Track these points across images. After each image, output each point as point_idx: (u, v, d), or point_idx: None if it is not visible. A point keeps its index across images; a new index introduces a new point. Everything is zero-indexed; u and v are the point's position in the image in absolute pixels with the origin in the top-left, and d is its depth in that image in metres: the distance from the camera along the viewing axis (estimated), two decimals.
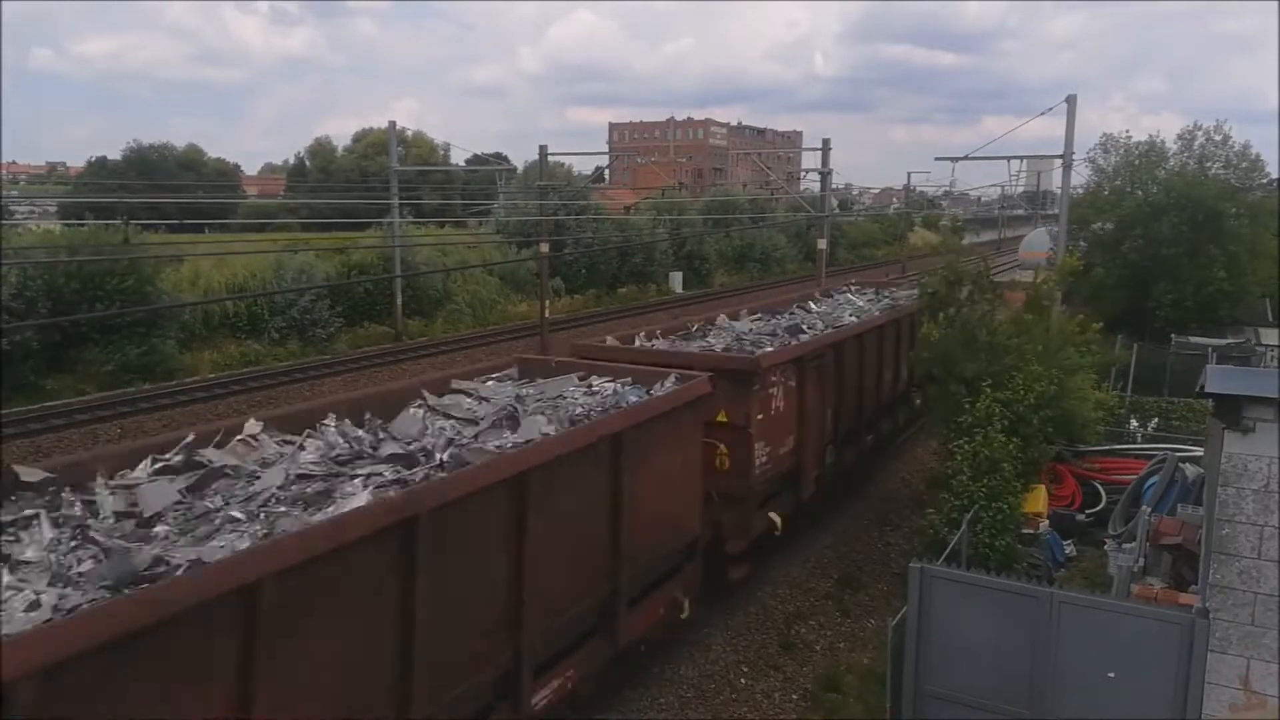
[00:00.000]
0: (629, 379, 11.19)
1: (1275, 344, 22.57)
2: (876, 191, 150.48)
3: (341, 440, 8.42)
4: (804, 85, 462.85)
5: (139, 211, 43.57)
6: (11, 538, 5.84)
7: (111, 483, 6.78)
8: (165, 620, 4.83)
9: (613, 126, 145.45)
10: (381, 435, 8.79)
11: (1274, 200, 31.30)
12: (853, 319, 18.49)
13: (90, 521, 6.20)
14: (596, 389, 10.93)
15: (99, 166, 73.30)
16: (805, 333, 16.26)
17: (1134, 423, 18.24)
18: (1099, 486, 15.69)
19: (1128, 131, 36.14)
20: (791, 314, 18.68)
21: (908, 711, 9.35)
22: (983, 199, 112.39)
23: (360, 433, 8.78)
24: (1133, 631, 8.25)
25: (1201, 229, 27.93)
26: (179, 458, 7.44)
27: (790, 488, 14.11)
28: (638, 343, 14.92)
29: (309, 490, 7.05)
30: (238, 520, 6.38)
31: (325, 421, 8.75)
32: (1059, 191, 27.75)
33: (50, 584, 5.30)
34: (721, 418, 12.09)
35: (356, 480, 7.35)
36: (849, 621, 13.14)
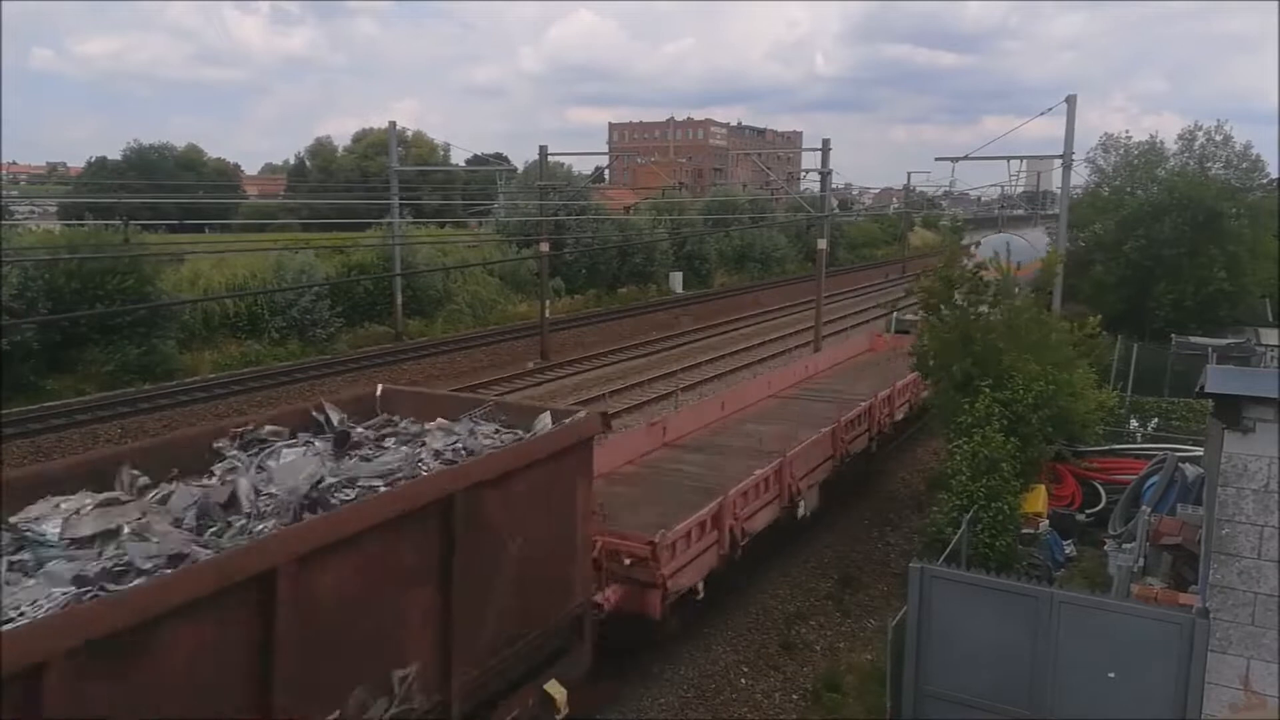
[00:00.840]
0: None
1: (1275, 344, 22.59)
2: (876, 191, 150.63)
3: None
4: (804, 85, 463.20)
5: (139, 211, 43.53)
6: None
7: None
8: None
9: (613, 126, 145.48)
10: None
11: (1274, 200, 31.32)
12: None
13: None
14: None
15: (99, 167, 73.24)
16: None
17: (1134, 423, 18.24)
18: (1099, 486, 15.70)
19: (1128, 132, 36.19)
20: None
21: (908, 711, 9.35)
22: (983, 199, 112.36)
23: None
24: (1133, 631, 8.25)
25: (1202, 229, 27.94)
26: None
27: None
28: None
29: None
30: None
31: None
32: (1059, 191, 27.76)
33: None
34: None
35: None
36: (849, 621, 13.14)
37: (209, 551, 5.76)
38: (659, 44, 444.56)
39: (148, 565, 5.50)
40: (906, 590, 9.40)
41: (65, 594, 5.16)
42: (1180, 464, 13.64)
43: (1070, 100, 24.08)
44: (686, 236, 51.81)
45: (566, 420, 8.47)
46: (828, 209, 34.48)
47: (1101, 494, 15.52)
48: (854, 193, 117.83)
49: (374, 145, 71.24)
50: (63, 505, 6.30)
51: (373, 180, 57.96)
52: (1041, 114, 24.71)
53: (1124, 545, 12.08)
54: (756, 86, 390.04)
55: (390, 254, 35.24)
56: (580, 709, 8.47)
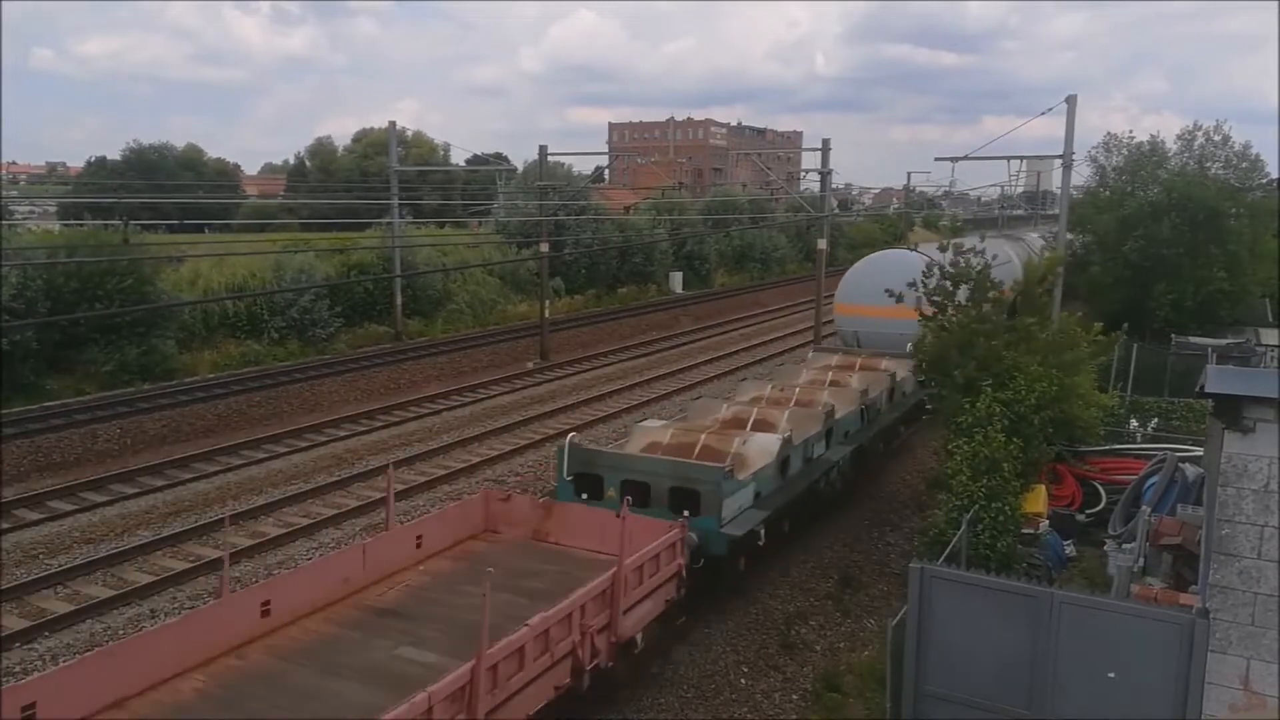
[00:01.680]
0: None
1: (1275, 344, 22.59)
2: (876, 191, 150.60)
3: None
4: (805, 85, 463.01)
5: (139, 212, 43.55)
6: None
7: None
8: None
9: (613, 126, 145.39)
10: None
11: (1274, 200, 31.32)
12: None
13: None
14: None
15: (99, 166, 73.27)
16: None
17: (1134, 423, 18.25)
18: (1099, 487, 15.70)
19: (1131, 131, 36.23)
20: None
21: (908, 711, 9.35)
22: (982, 199, 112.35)
23: None
24: (1133, 632, 8.24)
25: (1202, 229, 27.95)
26: None
27: None
28: None
29: None
30: None
31: None
32: (1059, 191, 27.75)
33: None
34: None
35: None
36: (849, 621, 13.14)
37: None
38: (659, 44, 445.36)
39: None
40: (906, 590, 9.39)
41: None
42: (1180, 464, 13.64)
43: (1070, 100, 24.06)
44: (686, 236, 51.79)
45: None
46: (827, 209, 34.47)
47: (1101, 494, 15.53)
48: (854, 193, 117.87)
49: (374, 145, 71.28)
50: None
51: (372, 180, 57.95)
52: (1041, 114, 24.68)
53: (1124, 545, 12.07)
54: (757, 86, 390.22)
55: (390, 254, 35.23)
56: None
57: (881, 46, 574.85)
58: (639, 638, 10.33)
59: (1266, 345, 22.59)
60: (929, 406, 19.53)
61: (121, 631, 12.30)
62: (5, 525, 15.65)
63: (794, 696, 11.18)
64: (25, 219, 50.79)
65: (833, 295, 28.14)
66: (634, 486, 12.33)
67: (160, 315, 26.52)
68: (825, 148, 32.26)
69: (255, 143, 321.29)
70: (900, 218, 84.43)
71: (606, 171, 70.76)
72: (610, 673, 10.03)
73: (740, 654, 11.98)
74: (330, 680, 8.43)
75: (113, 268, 25.50)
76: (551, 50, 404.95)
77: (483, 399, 26.14)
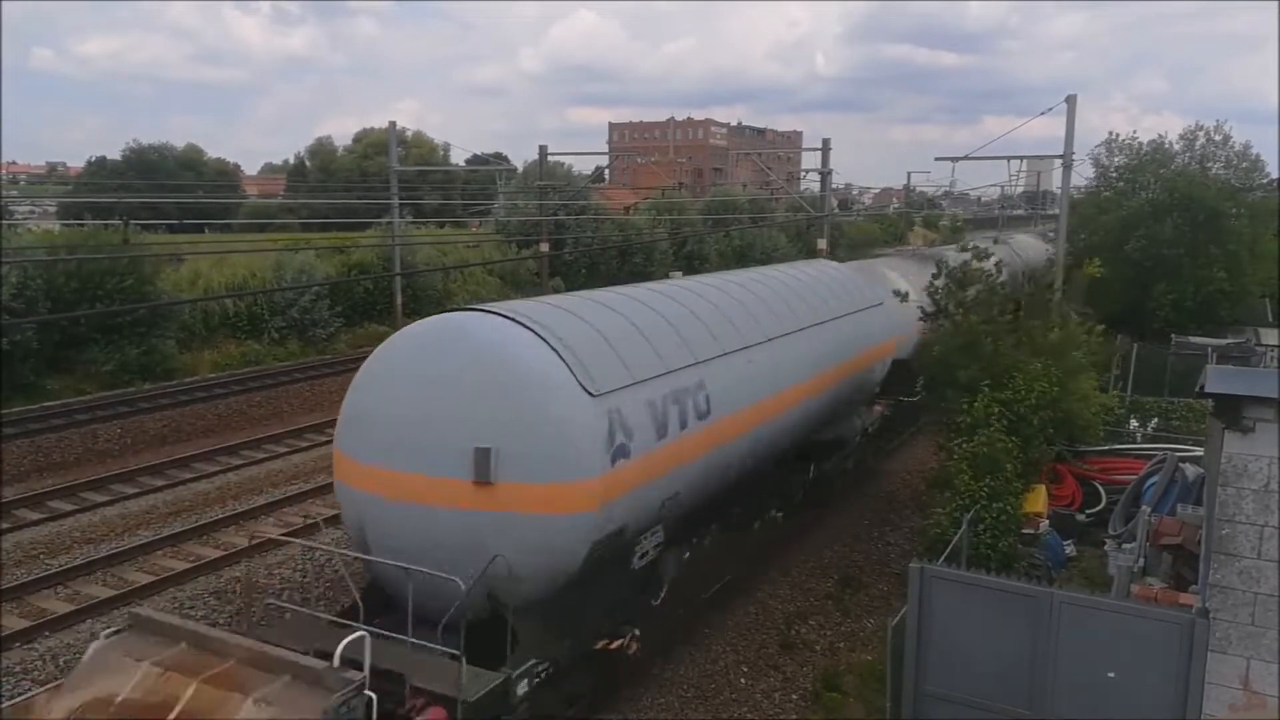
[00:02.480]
0: None
1: (1275, 344, 22.58)
2: (876, 191, 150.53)
3: None
4: (805, 85, 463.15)
5: (139, 212, 43.50)
6: None
7: None
8: None
9: (613, 126, 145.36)
10: None
11: (1274, 200, 31.36)
12: None
13: None
14: None
15: (99, 167, 73.22)
16: None
17: (1134, 423, 18.25)
18: (1099, 486, 15.69)
19: (1134, 132, 36.25)
20: None
21: (908, 711, 9.35)
22: (983, 199, 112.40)
23: None
24: (1133, 631, 8.25)
25: (1202, 229, 27.95)
26: None
27: None
28: None
29: None
30: None
31: None
32: (1059, 191, 27.74)
33: None
34: None
35: None
36: (849, 621, 13.14)
37: None
38: (660, 44, 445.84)
39: None
40: (907, 590, 9.39)
41: None
42: (1180, 464, 13.63)
43: (1070, 100, 24.03)
44: (686, 236, 51.79)
45: None
46: (827, 209, 34.47)
47: (1102, 494, 15.52)
48: (854, 193, 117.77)
49: (374, 145, 71.21)
50: None
51: (372, 180, 57.92)
52: (1042, 114, 24.61)
53: (1124, 545, 12.06)
54: (757, 86, 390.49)
55: (390, 254, 35.23)
56: None
57: (882, 46, 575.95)
58: None
59: (1266, 345, 22.57)
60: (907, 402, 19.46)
61: None
62: (5, 525, 15.65)
63: (794, 696, 11.19)
64: (25, 219, 50.73)
65: None
66: None
67: (160, 315, 26.52)
68: (825, 148, 32.29)
69: (255, 143, 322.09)
70: (900, 218, 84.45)
71: (606, 171, 70.74)
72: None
73: (740, 654, 11.98)
74: None
75: (113, 267, 25.49)
76: (552, 50, 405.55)
77: None
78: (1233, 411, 7.69)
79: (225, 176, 79.96)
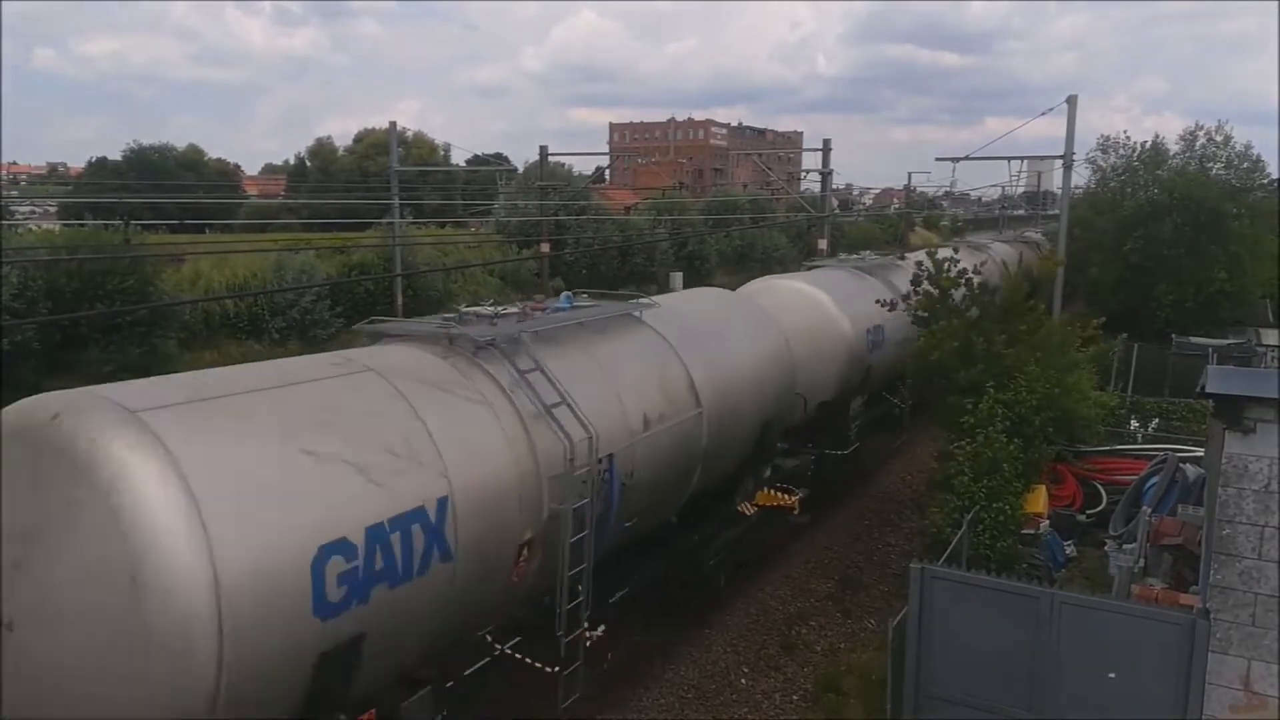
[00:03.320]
0: None
1: (1275, 344, 22.56)
2: (877, 192, 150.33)
3: None
4: (806, 85, 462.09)
5: (140, 212, 43.52)
6: None
7: None
8: None
9: (613, 127, 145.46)
10: None
11: (1274, 201, 31.34)
12: None
13: None
14: None
15: (99, 167, 73.27)
16: None
17: (1134, 423, 18.24)
18: (1099, 487, 15.67)
19: (1125, 132, 36.23)
20: None
21: (908, 712, 9.34)
22: (983, 199, 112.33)
23: None
24: (1133, 632, 8.24)
25: (1202, 229, 27.94)
26: None
27: None
28: None
29: None
30: None
31: None
32: (1059, 192, 27.75)
33: None
34: None
35: None
36: (849, 622, 13.14)
37: None
38: (661, 44, 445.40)
39: None
40: (907, 591, 9.39)
41: None
42: (1181, 464, 13.63)
43: (1071, 100, 24.01)
44: (687, 237, 51.80)
45: None
46: (828, 209, 34.47)
47: (1102, 494, 15.50)
48: (854, 193, 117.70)
49: (374, 145, 71.27)
50: None
51: (373, 180, 57.95)
52: (1042, 114, 24.59)
53: (1124, 546, 12.05)
54: (758, 87, 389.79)
55: (391, 254, 35.22)
56: None
57: (884, 47, 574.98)
58: None
59: (1267, 345, 22.55)
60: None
61: None
62: None
63: (794, 697, 11.19)
64: (26, 219, 50.76)
65: None
66: None
67: (161, 315, 26.51)
68: (826, 148, 32.25)
69: (256, 143, 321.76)
70: (901, 218, 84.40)
71: (607, 172, 70.77)
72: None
73: (740, 654, 11.98)
74: None
75: (114, 267, 25.48)
76: (553, 50, 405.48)
77: None
78: (1233, 412, 7.69)
79: (226, 177, 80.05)
